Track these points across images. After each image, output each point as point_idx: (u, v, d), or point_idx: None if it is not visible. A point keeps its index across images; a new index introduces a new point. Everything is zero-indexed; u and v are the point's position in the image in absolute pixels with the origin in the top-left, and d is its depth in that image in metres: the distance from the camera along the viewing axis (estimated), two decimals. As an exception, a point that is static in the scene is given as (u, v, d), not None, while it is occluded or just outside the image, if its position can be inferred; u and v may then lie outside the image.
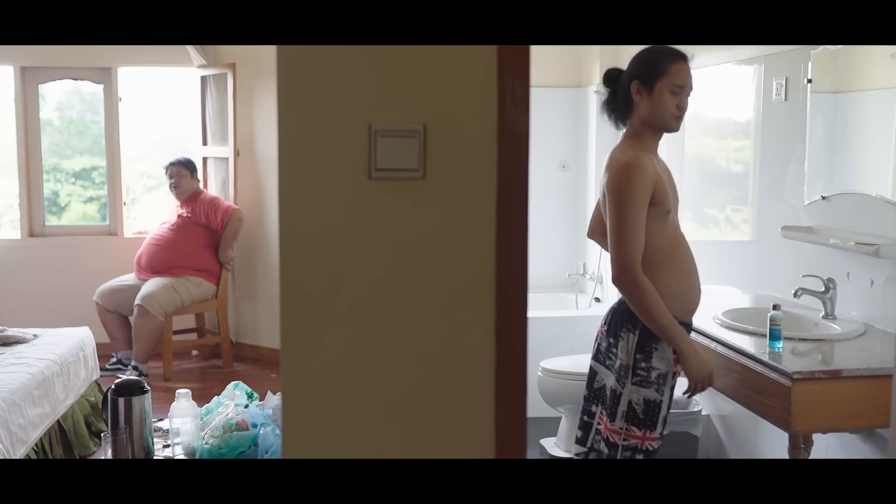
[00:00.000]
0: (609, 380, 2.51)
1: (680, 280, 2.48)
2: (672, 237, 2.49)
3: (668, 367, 2.45)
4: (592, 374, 2.61)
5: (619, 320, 2.49)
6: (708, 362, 2.49)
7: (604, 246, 2.71)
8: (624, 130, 2.54)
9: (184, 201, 5.54)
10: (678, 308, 2.46)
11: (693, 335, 2.85)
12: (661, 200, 2.42)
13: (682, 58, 2.47)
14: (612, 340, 2.51)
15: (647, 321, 2.40)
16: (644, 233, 2.38)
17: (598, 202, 2.65)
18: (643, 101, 2.46)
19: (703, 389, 2.48)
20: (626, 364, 2.45)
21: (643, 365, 2.43)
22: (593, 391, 2.59)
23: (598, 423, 2.55)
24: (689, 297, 2.51)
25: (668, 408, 2.49)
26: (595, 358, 2.60)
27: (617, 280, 2.41)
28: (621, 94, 2.51)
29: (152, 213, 6.32)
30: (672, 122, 2.47)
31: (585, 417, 2.61)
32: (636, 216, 2.36)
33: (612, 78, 2.56)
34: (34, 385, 3.55)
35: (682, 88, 2.45)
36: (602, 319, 2.60)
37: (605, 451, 2.50)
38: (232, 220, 5.48)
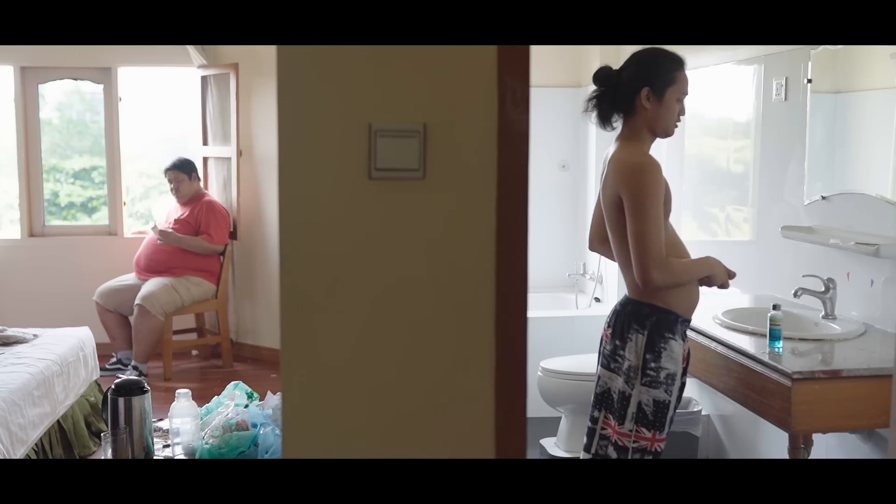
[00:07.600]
0: (616, 383, 2.50)
1: None
2: (672, 236, 2.52)
3: (677, 367, 2.46)
4: (597, 378, 2.60)
5: (624, 322, 2.49)
6: (716, 267, 2.54)
7: (607, 255, 2.67)
8: (619, 132, 2.53)
9: (184, 203, 5.54)
10: (682, 306, 2.48)
11: (693, 335, 2.86)
12: (667, 201, 2.45)
13: (684, 64, 2.50)
14: (618, 342, 2.50)
15: (689, 283, 2.49)
16: (662, 231, 2.39)
17: (599, 208, 2.62)
18: (651, 108, 2.45)
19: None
20: (634, 365, 2.45)
21: (653, 365, 2.43)
22: (597, 396, 2.58)
23: (603, 429, 2.54)
24: (691, 296, 2.52)
25: (675, 409, 2.49)
26: (599, 362, 2.59)
27: (652, 280, 2.38)
28: (622, 96, 2.48)
29: (152, 213, 6.32)
30: (673, 128, 2.51)
31: (590, 423, 2.60)
32: (657, 214, 2.37)
33: (607, 77, 2.51)
34: (34, 385, 3.55)
35: (684, 95, 2.50)
36: (605, 322, 2.59)
37: (614, 455, 2.49)
38: (211, 245, 5.44)
